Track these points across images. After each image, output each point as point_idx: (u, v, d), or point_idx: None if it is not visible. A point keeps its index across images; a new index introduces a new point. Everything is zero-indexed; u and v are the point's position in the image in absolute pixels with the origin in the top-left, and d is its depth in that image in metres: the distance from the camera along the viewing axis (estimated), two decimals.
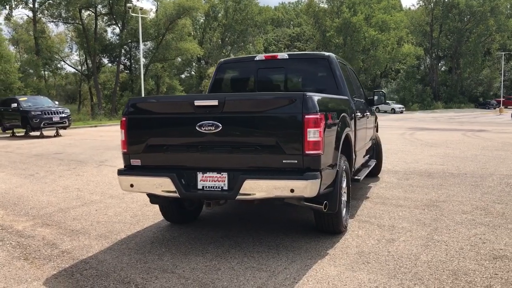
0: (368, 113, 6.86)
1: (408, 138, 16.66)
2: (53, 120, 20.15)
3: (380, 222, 5.30)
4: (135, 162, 4.47)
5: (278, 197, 4.05)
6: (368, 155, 7.48)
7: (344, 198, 5.00)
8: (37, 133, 20.31)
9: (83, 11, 42.97)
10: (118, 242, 4.82)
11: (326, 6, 61.69)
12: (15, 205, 6.67)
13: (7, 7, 39.66)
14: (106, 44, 46.14)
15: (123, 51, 47.39)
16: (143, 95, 34.75)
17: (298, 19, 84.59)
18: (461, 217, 5.48)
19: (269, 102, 4.12)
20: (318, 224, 4.81)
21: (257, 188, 4.01)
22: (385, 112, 51.78)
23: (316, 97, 4.11)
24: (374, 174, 8.13)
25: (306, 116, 3.92)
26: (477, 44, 63.70)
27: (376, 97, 7.32)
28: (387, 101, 55.75)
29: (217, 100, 4.12)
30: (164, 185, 4.26)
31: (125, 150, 4.50)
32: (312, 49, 64.89)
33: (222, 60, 6.38)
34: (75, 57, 61.65)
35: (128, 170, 4.48)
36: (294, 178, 3.94)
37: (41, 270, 4.07)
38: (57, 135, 20.50)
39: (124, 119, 4.47)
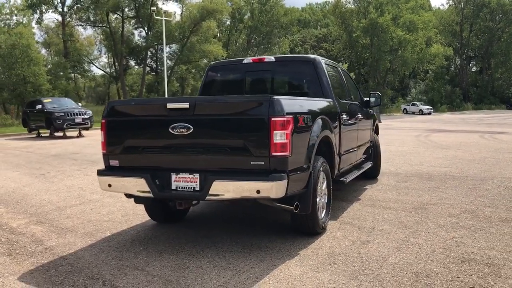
0: (361, 116, 6.86)
1: (423, 140, 16.44)
2: (76, 121, 20.73)
3: (362, 224, 5.31)
4: (114, 163, 4.63)
5: (246, 198, 4.14)
6: (364, 157, 7.48)
7: (323, 199, 5.05)
8: (61, 134, 20.90)
9: (110, 14, 43.91)
10: (101, 240, 4.99)
11: (353, 6, 61.25)
12: (18, 203, 6.94)
13: (38, 11, 40.96)
14: (133, 47, 47.08)
15: (149, 53, 48.23)
16: (166, 96, 35.26)
17: (325, 20, 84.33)
18: (445, 220, 5.44)
19: (238, 105, 4.23)
20: (294, 225, 4.88)
21: (225, 189, 4.11)
22: (413, 113, 51.11)
23: (285, 100, 4.18)
24: (373, 176, 8.12)
25: (273, 119, 4.00)
26: (509, 44, 62.15)
27: (372, 99, 7.32)
28: (415, 102, 55.01)
29: (188, 103, 4.25)
30: (139, 186, 4.40)
31: (104, 151, 4.67)
32: (338, 50, 64.55)
33: (212, 63, 6.51)
34: (104, 59, 62.81)
35: (106, 170, 4.65)
36: (260, 180, 4.03)
37: (20, 265, 4.26)
38: (80, 135, 21.06)
39: (103, 121, 4.64)
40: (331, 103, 5.57)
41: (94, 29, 50.42)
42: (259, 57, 6.37)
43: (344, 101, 6.17)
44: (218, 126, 4.24)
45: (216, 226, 5.45)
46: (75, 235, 5.20)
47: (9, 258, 4.48)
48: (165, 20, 34.87)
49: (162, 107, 4.34)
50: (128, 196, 4.69)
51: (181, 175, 4.33)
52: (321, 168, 4.87)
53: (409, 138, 16.91)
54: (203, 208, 6.20)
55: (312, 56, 5.89)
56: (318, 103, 5.17)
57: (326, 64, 5.97)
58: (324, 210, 5.12)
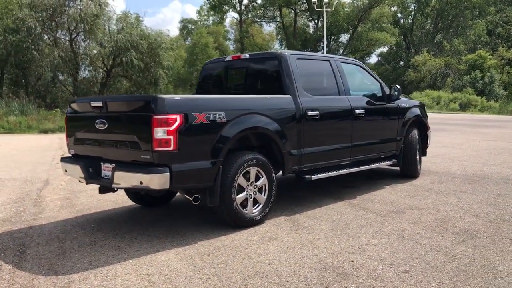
0: (366, 111, 6.50)
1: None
2: None
3: (306, 223, 5.22)
4: (72, 152, 5.51)
5: (136, 188, 4.60)
6: (383, 154, 7.06)
7: (258, 194, 5.16)
8: None
9: (283, 9, 45.97)
10: (77, 216, 5.91)
11: None
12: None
13: (219, 11, 45.22)
14: (304, 39, 48.42)
15: (321, 45, 49.03)
16: None
17: None
18: (398, 226, 5.01)
19: (131, 104, 4.70)
20: (216, 216, 5.11)
21: (121, 179, 4.64)
22: None
23: (172, 99, 4.49)
24: (407, 175, 7.56)
25: (154, 117, 4.35)
26: None
27: (395, 93, 6.91)
28: None
29: (101, 102, 4.86)
30: (78, 172, 5.19)
31: (66, 142, 5.58)
32: None
33: (207, 61, 6.93)
34: None
35: (65, 158, 5.55)
36: (143, 172, 4.44)
37: None
38: None
39: (65, 116, 5.56)
40: (285, 99, 5.53)
41: (268, 25, 53.24)
42: (238, 54, 6.56)
43: (320, 97, 5.99)
44: (120, 122, 4.78)
45: (177, 214, 5.90)
46: (63, 209, 6.22)
47: None
48: (331, 11, 35.15)
49: (90, 105, 5.03)
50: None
51: (106, 164, 4.97)
52: (247, 164, 4.98)
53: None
54: None
55: (279, 52, 5.89)
56: (247, 101, 5.23)
57: (300, 59, 5.89)
58: (261, 205, 5.20)
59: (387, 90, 7.05)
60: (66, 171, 5.46)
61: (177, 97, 4.65)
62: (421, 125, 7.90)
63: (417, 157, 7.64)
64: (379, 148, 6.99)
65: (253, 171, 5.10)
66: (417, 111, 7.74)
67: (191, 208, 5.86)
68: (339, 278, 3.66)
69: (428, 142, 8.12)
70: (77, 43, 33.57)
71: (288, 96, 5.58)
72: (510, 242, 4.40)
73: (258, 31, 56.41)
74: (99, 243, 4.73)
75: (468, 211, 5.54)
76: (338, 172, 6.21)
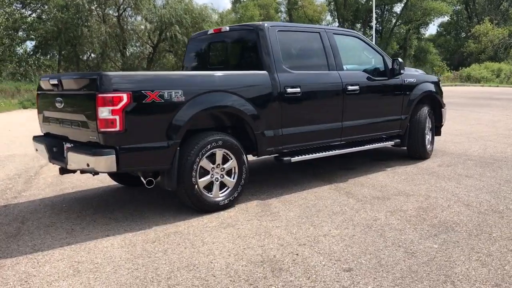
0: (361, 87, 5.99)
1: None
2: None
3: (276, 208, 4.90)
4: (43, 131, 5.41)
5: (85, 170, 4.42)
6: (384, 134, 6.53)
7: (227, 177, 4.87)
8: None
9: None
10: (57, 195, 5.86)
11: None
12: None
13: None
14: (356, 10, 46.58)
15: (374, 15, 47.04)
16: None
17: None
18: (373, 215, 4.59)
19: (79, 82, 4.50)
20: (179, 200, 4.88)
21: (73, 160, 4.47)
22: None
23: (118, 76, 4.24)
24: (413, 156, 6.99)
25: (99, 95, 4.13)
26: None
27: (397, 67, 6.33)
28: None
29: (56, 80, 4.69)
30: (43, 151, 5.09)
31: (38, 120, 5.49)
32: None
33: (193, 34, 6.59)
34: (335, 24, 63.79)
35: (36, 136, 5.46)
36: (89, 153, 4.25)
37: None
38: None
39: (36, 94, 5.45)
40: (261, 76, 5.14)
41: None
42: (219, 27, 6.17)
43: (304, 72, 5.54)
44: (73, 101, 4.59)
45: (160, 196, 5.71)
46: (51, 186, 6.19)
47: None
48: None
49: (49, 83, 4.88)
50: None
51: (67, 145, 4.82)
52: (211, 145, 4.69)
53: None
54: None
55: (257, 23, 5.45)
56: (212, 78, 4.87)
57: (282, 31, 5.45)
58: (229, 189, 4.92)
59: (391, 65, 6.44)
60: (36, 150, 5.37)
61: (125, 73, 4.40)
62: (434, 102, 7.23)
63: (427, 137, 7.02)
64: (378, 127, 6.44)
65: (219, 153, 4.80)
66: (428, 86, 7.06)
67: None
68: (270, 274, 3.33)
69: (442, 120, 7.43)
70: (125, 19, 34.06)
71: (264, 72, 5.18)
72: (486, 238, 3.87)
73: (309, 2, 54.88)
74: (57, 225, 4.62)
75: (461, 199, 4.98)
76: (324, 153, 5.77)
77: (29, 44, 34.69)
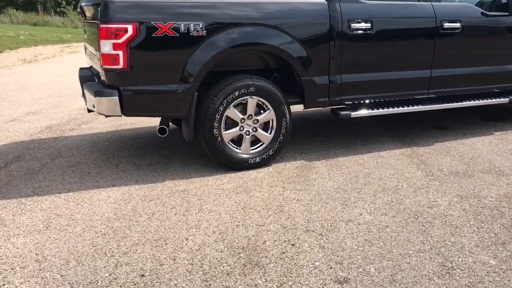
0: (452, 25, 4.55)
1: None
2: None
3: (317, 174, 4.02)
4: (87, 63, 5.08)
5: (93, 111, 3.98)
6: (487, 88, 5.02)
7: (255, 131, 4.09)
8: None
9: None
10: (109, 131, 5.62)
11: None
12: None
13: None
14: None
15: None
16: None
17: None
18: (426, 201, 3.48)
19: (91, 9, 3.98)
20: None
21: (87, 99, 4.06)
22: None
23: (123, 3, 3.56)
24: None
25: (101, 26, 3.56)
26: None
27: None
28: None
29: (79, 6, 4.22)
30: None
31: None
32: None
33: None
34: None
35: (82, 68, 5.12)
36: (92, 93, 3.79)
37: None
38: None
39: None
40: (315, 5, 4.09)
41: None
42: None
43: (379, 3, 4.32)
44: (89, 32, 4.13)
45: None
46: (73, 125, 5.98)
47: None
48: None
49: (81, 9, 4.44)
50: None
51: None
52: (241, 92, 3.91)
53: None
54: None
55: None
56: (245, 6, 3.92)
57: None
58: (264, 145, 4.14)
59: None
60: None
61: (134, 0, 3.66)
62: None
63: None
64: (487, 79, 4.94)
65: (252, 101, 3.99)
66: None
67: None
68: (237, 271, 2.59)
69: None
70: None
71: (322, 1, 4.10)
72: None
73: None
74: (79, 166, 4.33)
75: None
76: (399, 109, 4.57)
77: None
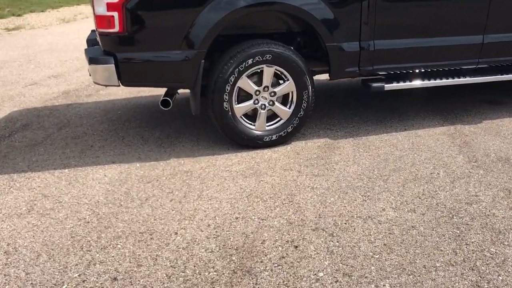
0: None
1: None
2: None
3: (340, 156, 3.52)
4: None
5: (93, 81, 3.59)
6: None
7: (271, 105, 3.62)
8: None
9: None
10: (126, 98, 5.28)
11: None
12: None
13: None
14: None
15: None
16: None
17: None
18: (465, 193, 2.92)
19: None
20: None
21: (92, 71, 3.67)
22: None
23: None
24: None
25: None
26: None
27: None
28: None
29: None
30: None
31: None
32: None
33: None
34: None
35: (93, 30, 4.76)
36: (88, 60, 3.40)
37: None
38: None
39: None
40: None
41: None
42: None
43: None
44: None
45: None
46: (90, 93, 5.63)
47: None
48: None
49: None
50: None
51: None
52: (255, 60, 3.42)
53: None
54: None
55: None
56: None
57: None
58: (282, 121, 3.67)
59: None
60: None
61: None
62: None
63: None
64: None
65: (268, 71, 3.49)
66: None
67: None
68: (224, 279, 2.17)
69: None
70: None
71: None
72: None
73: None
74: (84, 138, 4.03)
75: None
76: (442, 81, 3.93)
77: None
